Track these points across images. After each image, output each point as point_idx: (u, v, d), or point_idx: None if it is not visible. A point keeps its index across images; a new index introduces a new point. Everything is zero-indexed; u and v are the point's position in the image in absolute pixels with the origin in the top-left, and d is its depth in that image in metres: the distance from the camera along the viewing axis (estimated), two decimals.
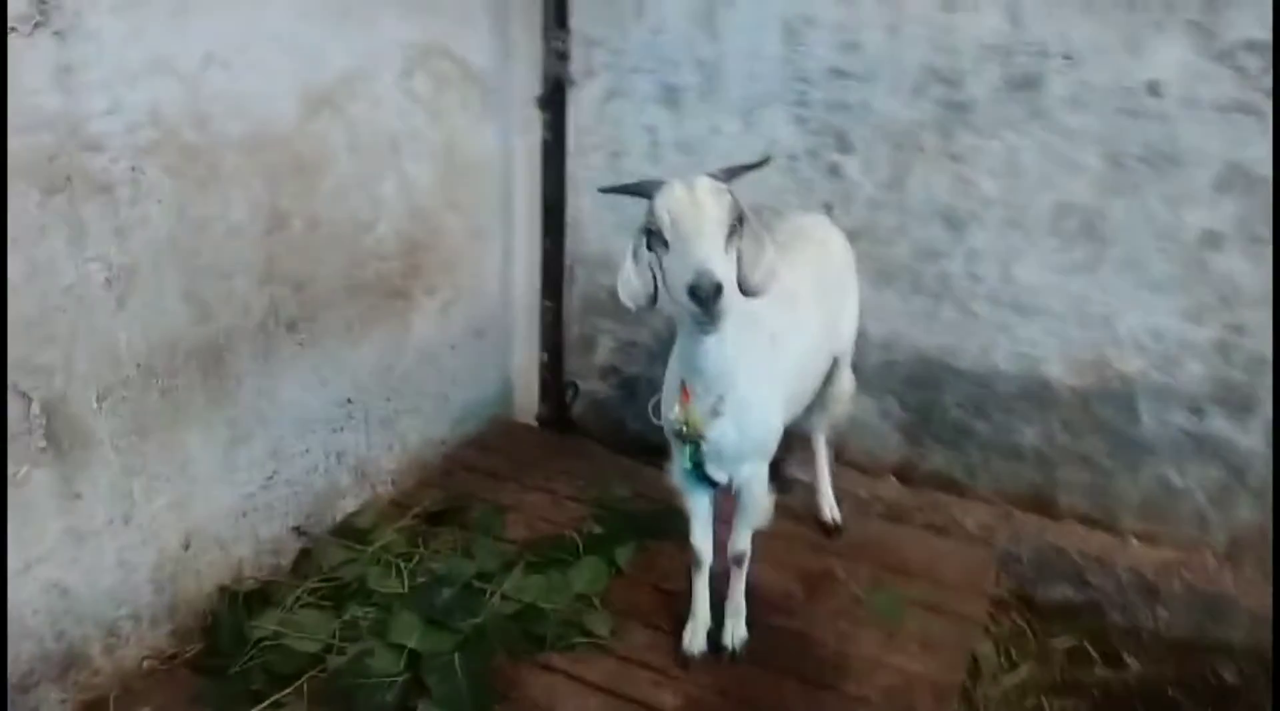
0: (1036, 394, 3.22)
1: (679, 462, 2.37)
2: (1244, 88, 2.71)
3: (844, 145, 3.25)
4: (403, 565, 2.70)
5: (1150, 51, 2.80)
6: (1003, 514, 3.27)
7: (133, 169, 2.15)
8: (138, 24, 2.09)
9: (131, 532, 2.34)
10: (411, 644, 2.42)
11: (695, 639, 2.55)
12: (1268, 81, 2.67)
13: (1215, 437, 3.01)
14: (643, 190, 1.93)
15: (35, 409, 2.05)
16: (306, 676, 2.35)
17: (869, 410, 3.48)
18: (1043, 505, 3.30)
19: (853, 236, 3.23)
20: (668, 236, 1.84)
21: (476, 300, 3.41)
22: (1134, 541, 3.16)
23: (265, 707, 2.26)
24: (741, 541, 2.51)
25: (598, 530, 2.96)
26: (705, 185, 1.86)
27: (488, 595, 2.62)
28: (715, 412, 2.19)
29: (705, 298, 1.75)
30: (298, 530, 2.83)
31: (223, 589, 2.59)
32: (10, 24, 1.86)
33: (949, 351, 3.31)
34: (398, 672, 2.34)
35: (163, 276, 2.27)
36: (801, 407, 2.69)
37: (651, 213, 1.87)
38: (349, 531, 2.91)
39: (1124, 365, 3.08)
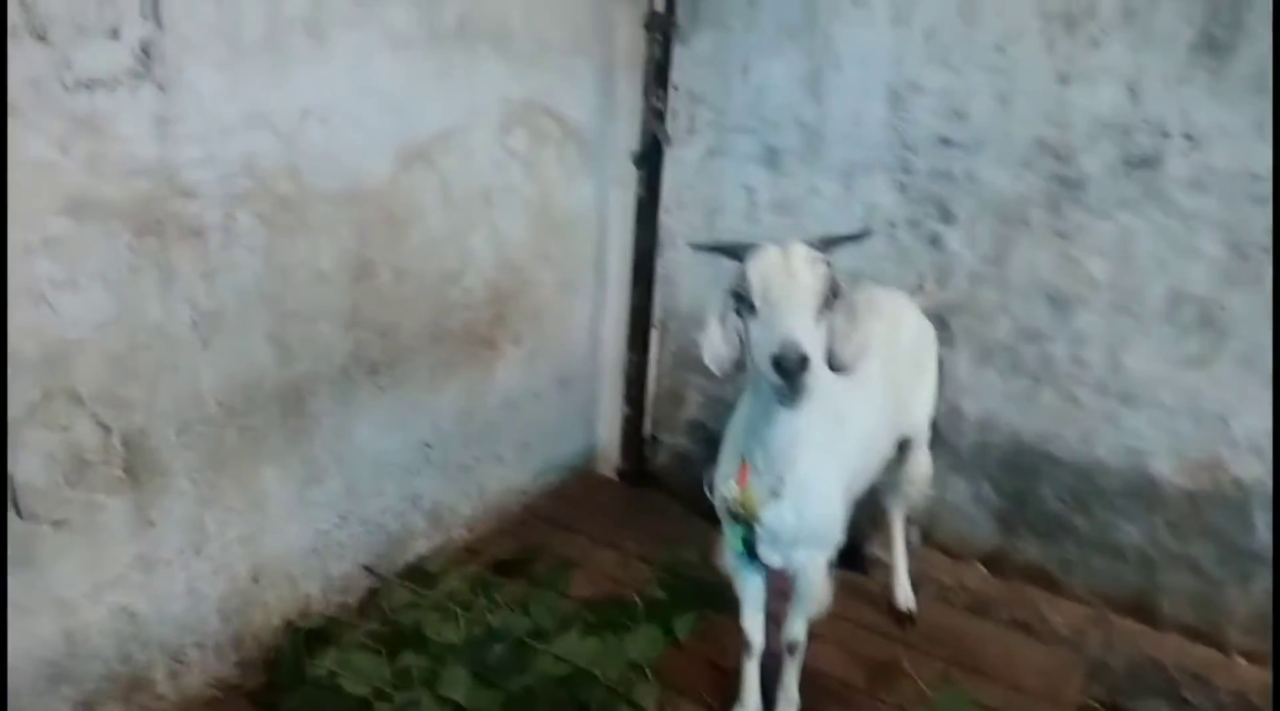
0: (1142, 491, 3.01)
1: (730, 542, 2.29)
2: None
3: (946, 216, 3.14)
4: (461, 614, 2.72)
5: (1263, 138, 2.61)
6: (1097, 616, 3.06)
7: (224, 216, 2.25)
8: (237, 79, 2.19)
9: (202, 563, 2.42)
10: (458, 698, 2.43)
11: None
12: None
13: None
14: (736, 251, 1.86)
15: (115, 440, 2.16)
16: None
17: (962, 493, 3.33)
18: (1143, 610, 3.07)
19: (952, 311, 3.13)
20: (756, 302, 1.77)
21: (564, 351, 3.43)
22: (1240, 660, 2.90)
23: None
24: (796, 629, 2.40)
25: (660, 595, 2.90)
26: (801, 253, 1.79)
27: (539, 654, 2.61)
28: (774, 493, 2.09)
29: (790, 370, 1.68)
30: (368, 569, 2.88)
31: (289, 623, 2.65)
32: (114, 76, 1.97)
33: (1049, 438, 3.13)
34: None
35: (248, 319, 2.36)
36: (863, 490, 2.57)
37: (742, 276, 1.80)
38: (417, 574, 2.95)
39: (1239, 469, 2.85)
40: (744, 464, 2.10)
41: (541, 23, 2.96)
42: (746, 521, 2.14)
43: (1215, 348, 2.80)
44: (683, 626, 2.78)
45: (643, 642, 2.70)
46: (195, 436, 2.32)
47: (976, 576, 3.23)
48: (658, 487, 3.80)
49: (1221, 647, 2.94)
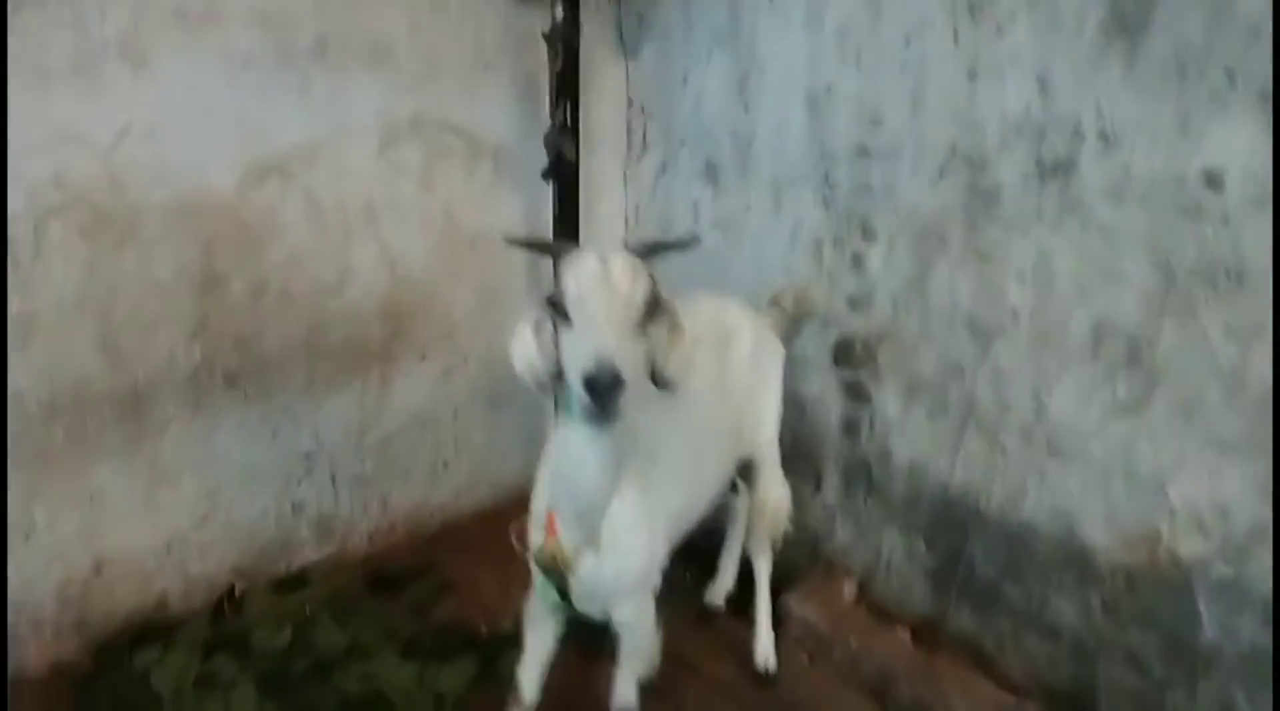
0: (1074, 562, 2.51)
1: (540, 593, 2.11)
2: None
3: (868, 233, 2.78)
4: (291, 626, 2.70)
5: (1208, 133, 2.09)
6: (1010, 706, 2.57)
7: (34, 229, 2.36)
8: (44, 101, 2.30)
9: (33, 550, 2.54)
10: (233, 707, 2.40)
11: None
12: None
13: None
14: (551, 252, 1.73)
15: None
16: None
17: (896, 548, 2.92)
18: (1081, 707, 2.56)
19: (877, 339, 2.77)
20: (571, 313, 1.62)
21: (491, 370, 3.33)
22: None
23: None
24: (627, 693, 2.17)
25: (508, 627, 2.75)
26: (621, 262, 1.64)
27: (345, 674, 2.53)
28: (588, 544, 1.91)
29: (602, 390, 1.52)
30: (236, 572, 2.92)
31: (130, 617, 2.74)
32: None
33: (976, 492, 2.69)
34: None
35: (70, 326, 2.46)
36: (691, 526, 2.31)
37: (558, 279, 1.66)
38: (290, 582, 2.95)
39: (1179, 545, 2.31)
40: (549, 516, 1.93)
41: (432, 39, 2.90)
42: (561, 575, 1.96)
43: (1146, 393, 2.29)
44: (511, 661, 2.60)
45: (456, 676, 2.56)
46: (15, 433, 2.44)
47: (893, 644, 2.81)
48: None
49: None
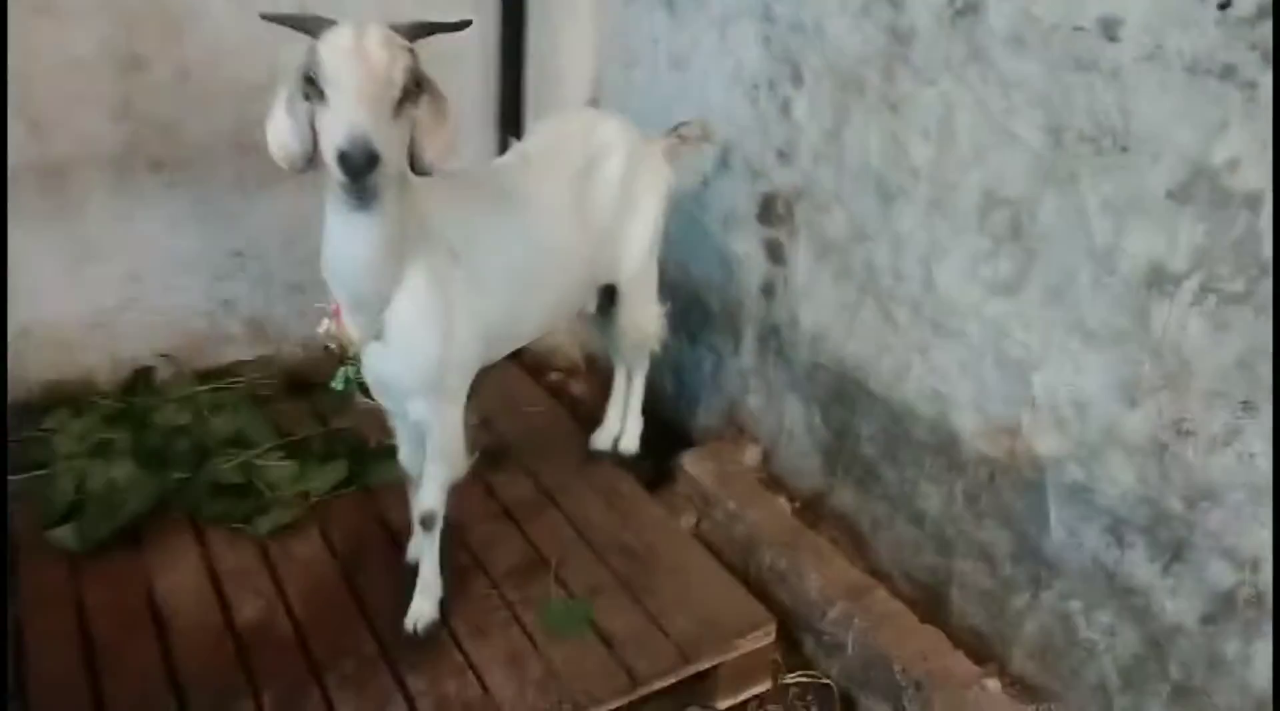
0: (945, 448, 2.35)
1: (334, 379, 2.08)
2: (1230, 39, 1.64)
3: (797, 78, 2.57)
4: (191, 411, 2.82)
5: None
6: (859, 583, 2.46)
7: None
8: None
9: None
10: (105, 476, 2.54)
11: (415, 549, 2.32)
12: (1267, 32, 1.59)
13: (1134, 586, 1.97)
14: (306, 26, 1.67)
15: None
16: (35, 470, 2.59)
17: (797, 418, 2.80)
18: (934, 598, 2.43)
19: (796, 195, 2.60)
20: (326, 88, 1.58)
21: None
22: (996, 687, 2.21)
23: None
24: (428, 497, 2.16)
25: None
26: (379, 36, 1.60)
27: (221, 459, 2.64)
28: (376, 336, 1.92)
29: (355, 168, 1.51)
30: (165, 356, 3.05)
31: (55, 385, 2.91)
32: None
33: (866, 366, 2.53)
34: (71, 495, 2.48)
35: None
36: (520, 341, 2.32)
37: (312, 56, 1.60)
38: (214, 374, 3.07)
39: (1036, 441, 2.12)
40: (335, 304, 1.93)
41: None
42: (348, 362, 1.99)
43: (1023, 271, 2.07)
44: (383, 473, 2.65)
45: (327, 476, 2.64)
46: None
47: (770, 513, 2.71)
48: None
49: (985, 664, 2.26)
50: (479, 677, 2.11)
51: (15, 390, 2.85)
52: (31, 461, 2.61)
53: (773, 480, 2.90)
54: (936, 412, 2.35)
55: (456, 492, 2.23)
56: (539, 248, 2.17)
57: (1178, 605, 1.90)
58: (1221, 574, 1.81)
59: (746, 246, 2.84)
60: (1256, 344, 1.70)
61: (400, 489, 2.44)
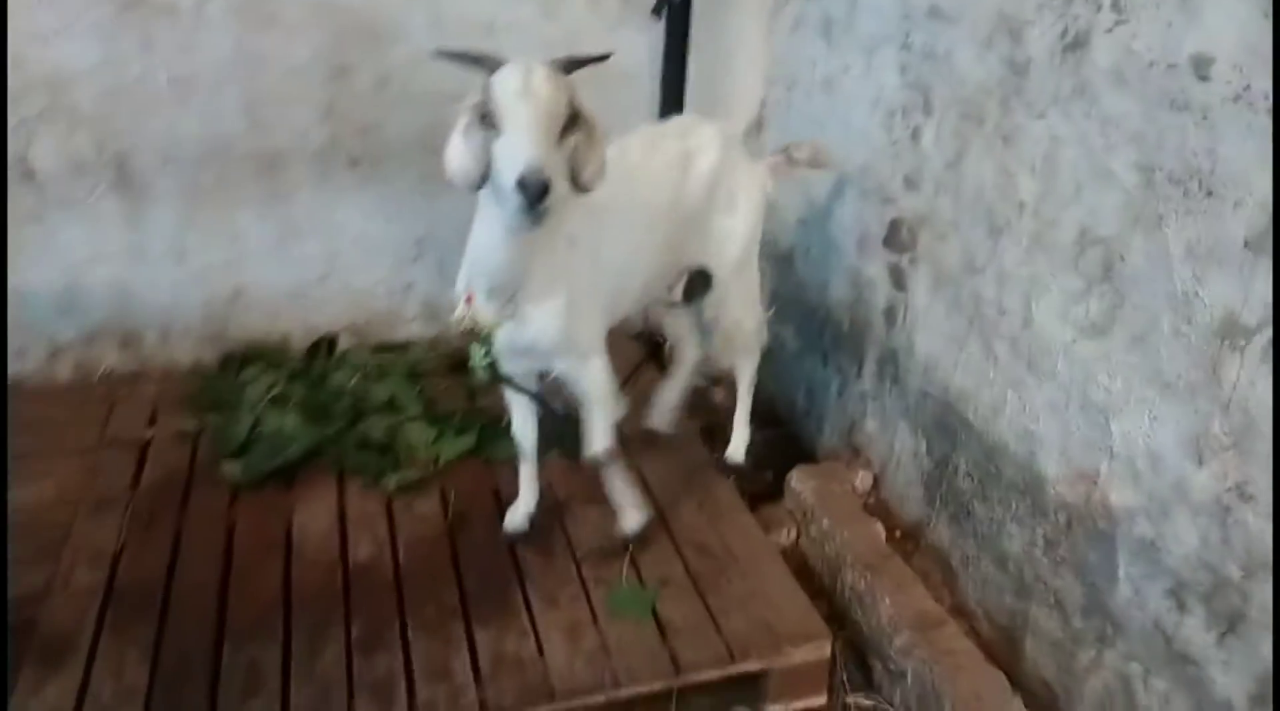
0: (1030, 490, 2.29)
1: (472, 359, 2.31)
2: None
3: (928, 106, 2.57)
4: (361, 379, 3.19)
5: (1205, 7, 1.73)
6: (934, 619, 2.42)
7: (197, 5, 2.91)
8: None
9: (184, 270, 3.23)
10: (277, 423, 2.94)
11: (514, 518, 2.58)
12: None
13: (1190, 654, 1.86)
14: (480, 63, 1.87)
15: (106, 155, 3.01)
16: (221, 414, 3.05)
17: (906, 446, 2.79)
18: (1009, 642, 2.36)
19: (919, 223, 2.63)
20: (500, 122, 1.79)
21: None
22: None
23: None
24: (600, 438, 2.38)
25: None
26: (543, 73, 1.80)
27: (373, 422, 2.98)
28: (510, 315, 2.15)
29: (532, 196, 1.71)
30: (351, 330, 3.47)
31: (256, 342, 3.38)
32: None
33: (966, 398, 2.50)
34: (245, 435, 2.91)
35: (221, 91, 3.02)
36: (630, 308, 2.52)
37: (487, 92, 1.82)
38: (388, 347, 3.45)
39: (1112, 491, 2.04)
40: (470, 293, 2.20)
41: None
42: (484, 341, 2.23)
43: (1111, 313, 2.00)
44: (504, 449, 2.88)
45: (457, 445, 2.91)
46: (173, 170, 3.08)
47: (862, 535, 2.70)
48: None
49: None
50: (538, 641, 2.28)
51: (226, 343, 3.36)
52: (222, 404, 3.07)
53: (879, 505, 2.89)
54: (1026, 452, 2.29)
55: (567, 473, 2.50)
56: (637, 232, 2.36)
57: (1229, 680, 1.78)
58: (1272, 652, 1.69)
59: (874, 270, 2.86)
60: None
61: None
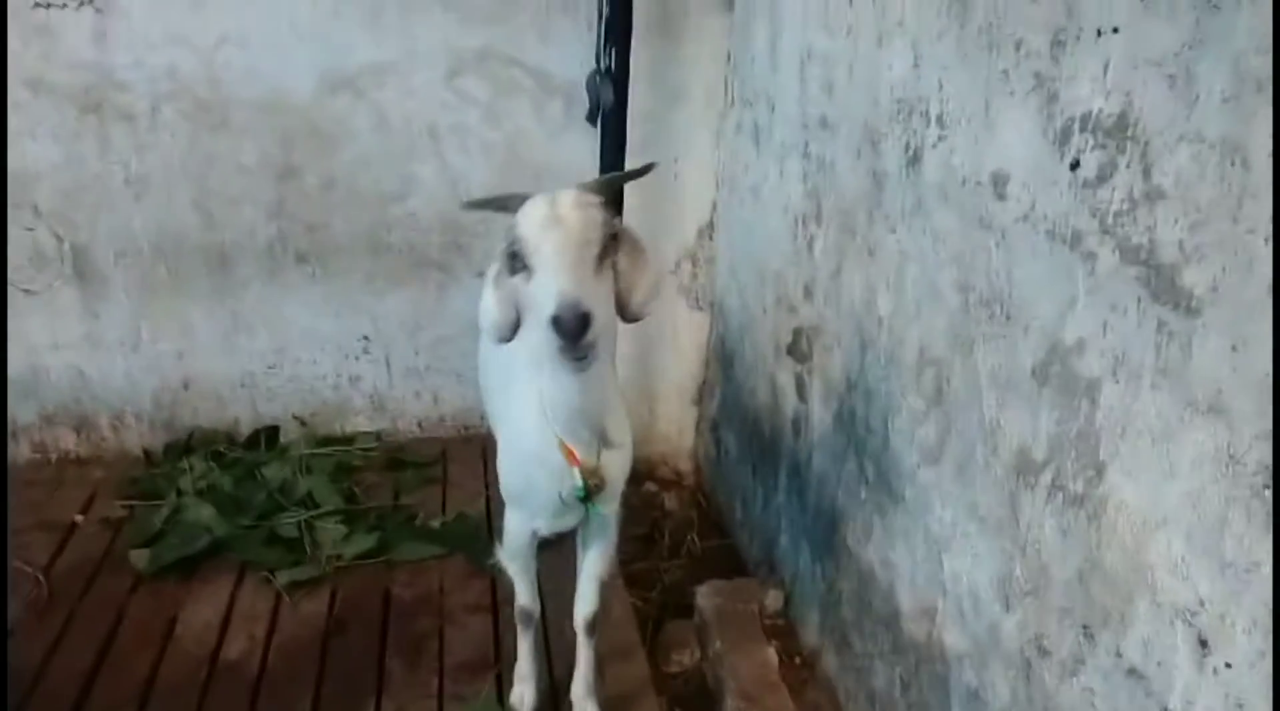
0: (891, 626, 2.13)
1: (581, 524, 2.13)
2: (1075, 199, 1.45)
3: (820, 216, 2.51)
4: (295, 472, 3.23)
5: (1001, 123, 1.65)
6: None
7: (151, 108, 3.07)
8: (160, 7, 2.99)
9: (138, 358, 3.35)
10: (194, 514, 2.99)
11: (525, 702, 2.33)
12: (1105, 194, 1.39)
13: None
14: (505, 205, 1.70)
15: (65, 247, 3.18)
16: (152, 501, 3.12)
17: (806, 566, 2.64)
18: None
19: (814, 333, 2.55)
20: (530, 260, 1.60)
21: None
22: None
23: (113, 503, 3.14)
24: (593, 601, 2.23)
25: (435, 524, 3.07)
26: (569, 200, 1.62)
27: (285, 518, 3.00)
28: (605, 444, 1.89)
29: (570, 331, 1.50)
30: (298, 420, 3.53)
31: (206, 429, 3.47)
32: (61, 0, 2.94)
33: (846, 518, 2.36)
34: (165, 519, 2.98)
35: (174, 188, 3.16)
36: None
37: (512, 233, 1.63)
38: (333, 439, 3.49)
39: (945, 633, 1.88)
40: (566, 449, 1.86)
41: None
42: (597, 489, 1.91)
43: (941, 438, 1.88)
44: (401, 540, 2.90)
45: (360, 544, 2.91)
46: (129, 263, 3.22)
47: (753, 662, 2.54)
48: None
49: None
50: None
51: (173, 431, 3.46)
52: (155, 492, 3.14)
53: (787, 626, 2.74)
54: (886, 584, 2.14)
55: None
56: None
57: None
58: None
59: (784, 379, 2.77)
60: (1090, 557, 1.43)
61: (415, 568, 2.72)
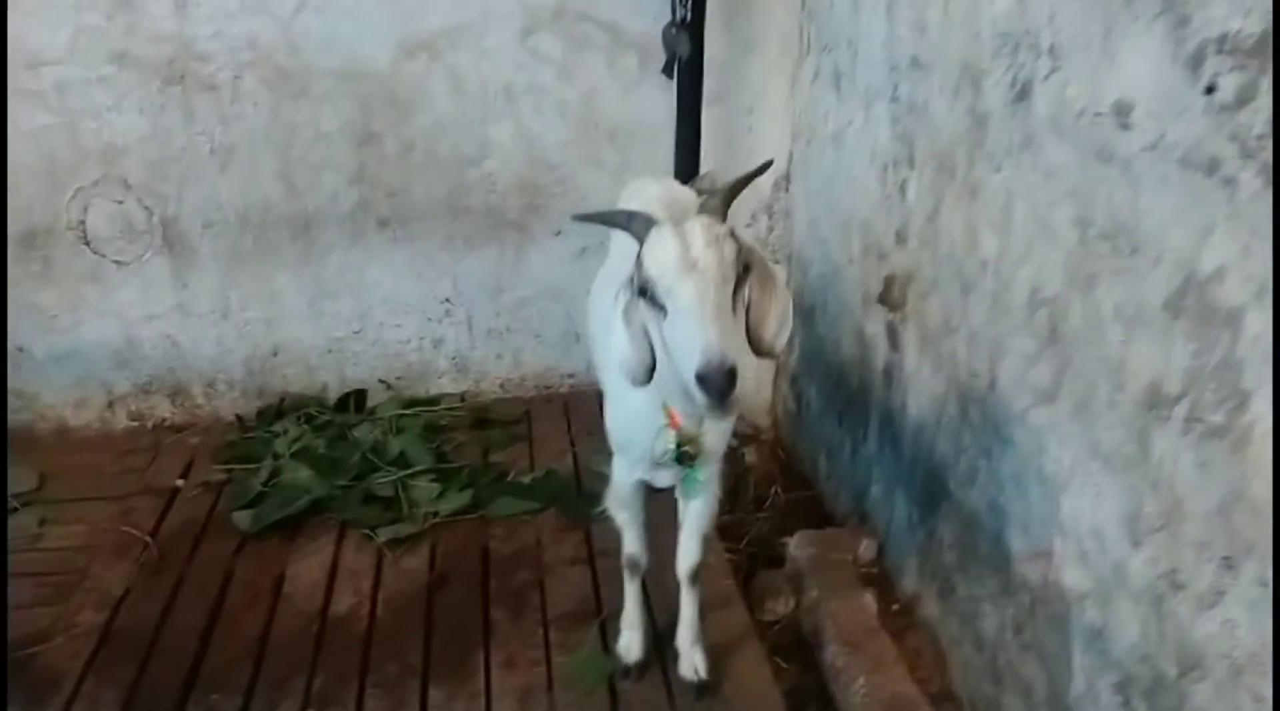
0: (1001, 568, 2.12)
1: (679, 481, 2.10)
2: (1213, 126, 1.41)
3: (912, 159, 2.47)
4: (381, 432, 3.29)
5: (1123, 51, 1.61)
6: (906, 703, 2.25)
7: (233, 78, 3.11)
8: None
9: (228, 326, 3.42)
10: (292, 476, 3.06)
11: (632, 649, 2.36)
12: (1245, 118, 1.35)
13: None
14: (627, 226, 1.59)
15: (155, 219, 3.25)
16: (246, 466, 3.20)
17: (902, 514, 2.64)
18: None
19: (908, 278, 2.53)
20: (663, 300, 1.50)
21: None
22: None
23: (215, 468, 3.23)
24: (699, 551, 2.23)
25: (523, 479, 3.11)
26: (702, 236, 1.50)
27: (379, 478, 3.06)
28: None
29: (718, 391, 1.42)
30: (384, 383, 3.58)
31: (285, 394, 3.54)
32: None
33: (947, 464, 2.35)
34: (264, 482, 3.06)
35: (257, 158, 3.21)
36: None
37: (640, 265, 1.54)
38: (418, 401, 3.54)
39: (1064, 573, 1.86)
40: (669, 409, 1.85)
41: None
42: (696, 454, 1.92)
43: (1057, 378, 1.86)
44: (500, 508, 2.94)
45: (455, 501, 2.96)
46: (216, 233, 3.29)
47: (850, 608, 2.55)
48: None
49: None
50: (488, 704, 2.27)
51: (264, 397, 3.54)
52: (251, 457, 3.22)
53: (881, 575, 2.74)
54: (995, 527, 2.13)
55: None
56: None
57: None
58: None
59: (874, 328, 2.75)
60: (1234, 488, 1.41)
61: (510, 523, 2.79)
